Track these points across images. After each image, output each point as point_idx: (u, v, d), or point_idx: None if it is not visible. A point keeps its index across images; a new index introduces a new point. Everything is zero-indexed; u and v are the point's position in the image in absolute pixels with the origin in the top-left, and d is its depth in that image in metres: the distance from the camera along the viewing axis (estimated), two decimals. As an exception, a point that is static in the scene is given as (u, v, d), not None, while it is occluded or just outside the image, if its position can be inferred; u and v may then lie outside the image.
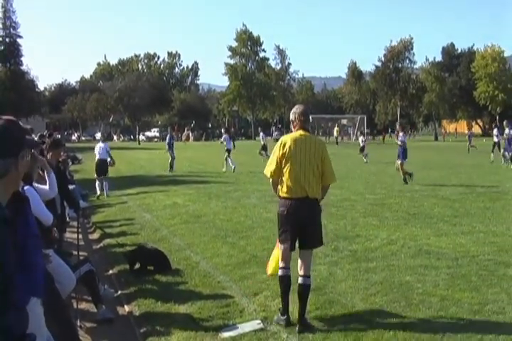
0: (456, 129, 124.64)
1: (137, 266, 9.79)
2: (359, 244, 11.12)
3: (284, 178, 7.10)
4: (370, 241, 11.36)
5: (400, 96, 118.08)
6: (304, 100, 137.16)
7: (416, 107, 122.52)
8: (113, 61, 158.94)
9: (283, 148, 7.12)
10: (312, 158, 7.09)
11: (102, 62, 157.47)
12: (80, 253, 9.58)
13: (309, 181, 7.03)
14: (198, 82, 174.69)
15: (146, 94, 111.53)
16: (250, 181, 23.73)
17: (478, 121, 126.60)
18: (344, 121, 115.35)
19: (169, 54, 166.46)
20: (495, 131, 36.48)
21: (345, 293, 7.94)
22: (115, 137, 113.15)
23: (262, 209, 15.86)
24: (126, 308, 8.15)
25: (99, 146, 22.47)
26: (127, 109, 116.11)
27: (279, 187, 7.19)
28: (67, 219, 13.11)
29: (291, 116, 7.44)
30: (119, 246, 11.84)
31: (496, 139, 35.16)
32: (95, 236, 13.92)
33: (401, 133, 24.76)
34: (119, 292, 8.90)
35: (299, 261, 7.20)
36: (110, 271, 10.27)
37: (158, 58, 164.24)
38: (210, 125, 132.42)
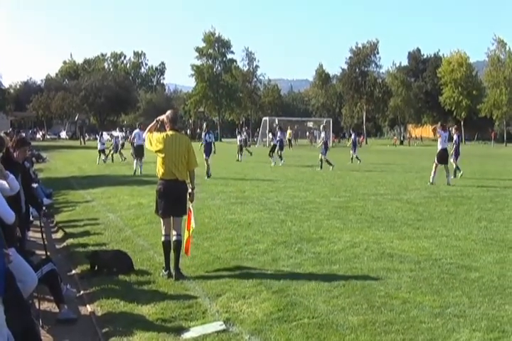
0: (421, 134, 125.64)
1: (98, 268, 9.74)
2: (322, 247, 11.17)
3: (160, 165, 9.41)
4: (334, 244, 11.41)
5: (366, 99, 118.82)
6: (271, 102, 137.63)
7: (382, 111, 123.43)
8: (79, 60, 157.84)
9: (159, 143, 9.36)
10: (180, 150, 9.35)
11: (67, 61, 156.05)
12: (43, 252, 9.52)
13: (178, 167, 9.31)
14: (164, 82, 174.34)
15: (111, 94, 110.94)
16: (215, 183, 23.70)
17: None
18: (310, 124, 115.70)
19: (135, 53, 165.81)
20: (270, 135, 41.26)
21: (307, 295, 7.97)
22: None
23: (226, 210, 15.87)
24: (89, 308, 8.09)
25: (136, 133, 30.21)
26: (93, 108, 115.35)
27: (157, 171, 9.50)
28: (31, 218, 13.02)
29: (165, 119, 9.58)
30: (82, 246, 11.78)
31: (274, 142, 39.00)
32: (58, 235, 13.80)
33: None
34: (82, 292, 8.84)
35: (172, 225, 9.47)
36: (73, 271, 10.20)
37: (125, 57, 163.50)
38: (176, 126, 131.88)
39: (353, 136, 42.95)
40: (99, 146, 39.23)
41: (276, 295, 7.95)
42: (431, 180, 23.88)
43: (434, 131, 26.50)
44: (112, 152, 41.21)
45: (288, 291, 8.17)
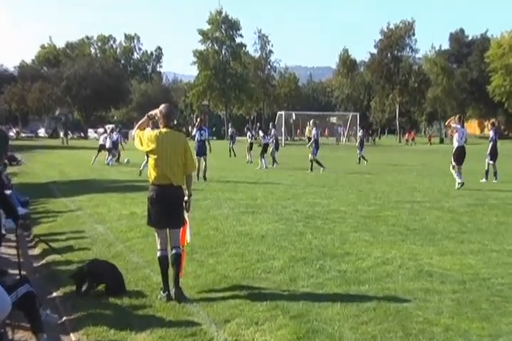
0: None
1: (85, 286, 9.72)
2: (349, 264, 11.17)
3: (152, 168, 9.46)
4: (362, 260, 11.41)
5: (400, 90, 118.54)
6: (287, 94, 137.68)
7: (418, 104, 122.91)
8: (60, 44, 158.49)
9: (151, 142, 9.40)
10: (176, 150, 9.45)
11: (46, 45, 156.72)
12: (17, 271, 9.52)
13: (173, 171, 9.38)
14: (162, 70, 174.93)
15: (99, 84, 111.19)
16: (222, 188, 23.75)
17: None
18: (333, 119, 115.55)
19: (126, 36, 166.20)
20: (261, 133, 41.46)
21: (331, 321, 7.96)
22: (61, 134, 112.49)
23: (235, 221, 15.90)
24: (73, 337, 8.08)
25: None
26: (77, 100, 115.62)
27: (149, 174, 9.57)
28: (3, 231, 13.01)
29: (159, 114, 9.64)
30: (64, 264, 11.76)
31: (265, 141, 39.32)
32: (36, 251, 13.80)
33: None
34: (64, 318, 8.83)
35: (169, 238, 9.56)
36: (54, 293, 10.19)
37: (114, 41, 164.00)
38: (175, 122, 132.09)
39: (360, 133, 43.29)
40: (107, 144, 40.58)
41: (295, 321, 7.93)
42: (459, 183, 24.19)
43: (449, 126, 26.50)
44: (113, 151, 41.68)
45: (308, 316, 8.16)
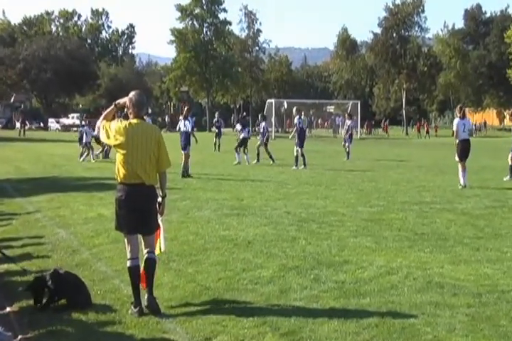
0: (485, 121, 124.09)
1: (44, 300, 9.66)
2: (348, 273, 11.18)
3: (120, 165, 9.32)
4: (363, 270, 11.42)
5: (407, 75, 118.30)
6: (278, 79, 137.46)
7: (428, 91, 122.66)
8: (15, 19, 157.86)
9: (119, 135, 9.26)
10: (148, 144, 9.35)
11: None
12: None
13: (145, 168, 9.28)
14: (134, 51, 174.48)
15: (61, 67, 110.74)
16: (203, 187, 23.73)
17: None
18: (331, 108, 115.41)
19: (93, 12, 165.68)
20: (238, 126, 41.89)
21: (328, 339, 7.96)
22: (18, 124, 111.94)
23: (218, 224, 15.90)
24: (30, 358, 8.07)
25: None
26: (35, 86, 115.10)
27: (117, 172, 9.43)
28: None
29: (128, 103, 9.48)
30: (20, 275, 11.70)
31: (244, 135, 39.52)
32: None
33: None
34: (20, 336, 8.78)
35: (143, 243, 9.60)
36: (8, 308, 10.15)
37: (79, 17, 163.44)
38: (150, 110, 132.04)
39: (349, 123, 42.81)
40: (84, 138, 40.05)
41: (286, 339, 7.94)
42: (461, 183, 24.51)
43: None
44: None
45: (301, 333, 8.16)
